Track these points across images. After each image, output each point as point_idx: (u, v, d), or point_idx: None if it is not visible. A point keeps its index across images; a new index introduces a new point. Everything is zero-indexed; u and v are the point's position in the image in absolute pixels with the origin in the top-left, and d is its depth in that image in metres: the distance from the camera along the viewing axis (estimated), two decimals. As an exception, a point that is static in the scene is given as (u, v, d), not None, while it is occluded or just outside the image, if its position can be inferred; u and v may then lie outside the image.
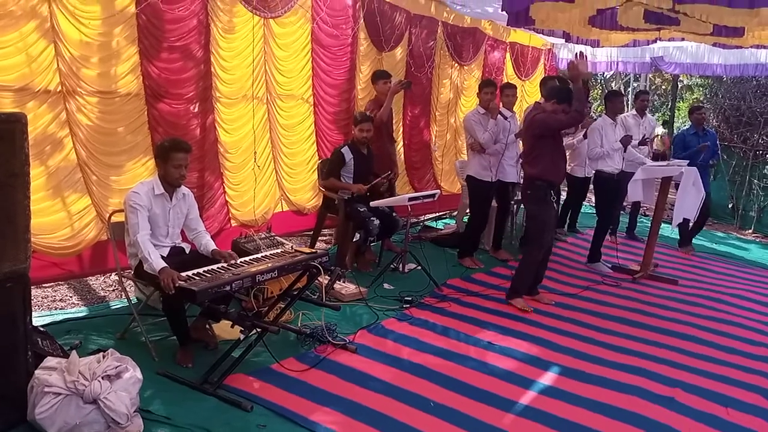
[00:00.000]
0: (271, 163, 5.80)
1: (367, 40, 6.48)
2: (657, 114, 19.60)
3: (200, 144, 5.03)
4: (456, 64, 7.87)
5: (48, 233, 4.14)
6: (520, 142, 5.76)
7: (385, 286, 5.12)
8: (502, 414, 3.26)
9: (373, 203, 5.12)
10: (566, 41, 8.34)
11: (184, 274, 3.21)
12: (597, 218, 6.24)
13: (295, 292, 3.81)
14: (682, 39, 7.38)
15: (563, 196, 7.30)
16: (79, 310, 4.30)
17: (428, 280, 5.23)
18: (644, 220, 8.34)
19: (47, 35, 3.98)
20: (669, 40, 8.19)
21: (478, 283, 5.45)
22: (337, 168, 5.27)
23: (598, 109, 9.21)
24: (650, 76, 15.42)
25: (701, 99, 10.87)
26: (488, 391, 3.49)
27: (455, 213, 7.79)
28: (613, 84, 17.33)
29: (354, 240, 5.54)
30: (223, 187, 5.37)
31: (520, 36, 8.88)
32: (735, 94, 9.74)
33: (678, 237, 7.55)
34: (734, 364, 4.11)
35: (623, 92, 12.28)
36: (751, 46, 7.24)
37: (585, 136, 6.57)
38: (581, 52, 4.68)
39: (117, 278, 4.43)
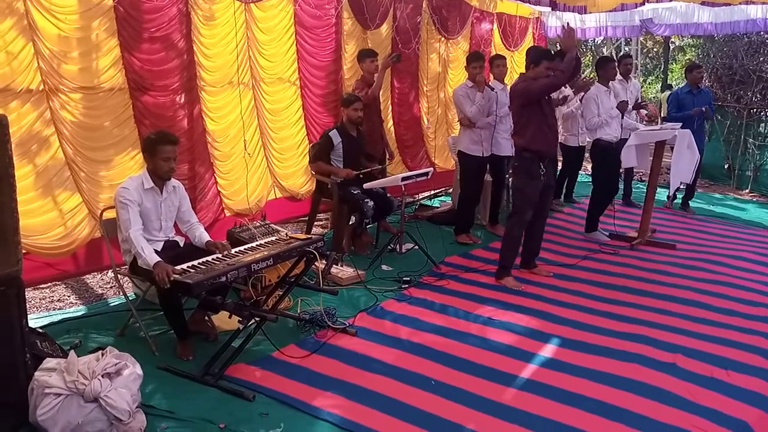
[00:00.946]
0: (261, 149, 5.76)
1: (351, 19, 6.39)
2: (651, 77, 19.48)
3: (188, 135, 4.99)
4: (443, 38, 7.77)
5: (40, 234, 4.12)
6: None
7: (383, 267, 5.11)
8: (504, 389, 3.27)
9: (366, 185, 5.09)
10: (552, 9, 8.25)
11: (178, 267, 3.19)
12: (593, 187, 6.20)
13: (293, 279, 3.80)
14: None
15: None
16: (78, 309, 4.30)
17: (426, 259, 5.22)
18: (641, 186, 8.31)
19: (25, 33, 3.92)
20: (657, 1, 8.12)
21: (477, 259, 5.44)
22: (325, 151, 5.22)
23: (591, 76, 9.15)
24: (641, 39, 15.29)
25: (694, 60, 10.77)
26: (489, 366, 3.50)
27: (451, 190, 7.76)
28: (604, 50, 17.16)
29: (350, 223, 5.52)
30: (214, 177, 5.33)
31: (507, 6, 8.75)
32: (727, 52, 9.65)
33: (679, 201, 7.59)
34: (734, 326, 4.12)
35: (615, 58, 12.18)
36: (740, 3, 7.17)
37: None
38: (568, 23, 4.62)
39: (113, 275, 4.42)
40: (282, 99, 5.90)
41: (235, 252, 3.50)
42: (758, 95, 9.26)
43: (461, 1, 7.86)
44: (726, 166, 9.66)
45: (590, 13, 8.71)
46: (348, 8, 6.30)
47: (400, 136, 7.49)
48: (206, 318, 3.85)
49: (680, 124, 6.41)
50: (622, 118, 6.04)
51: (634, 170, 7.92)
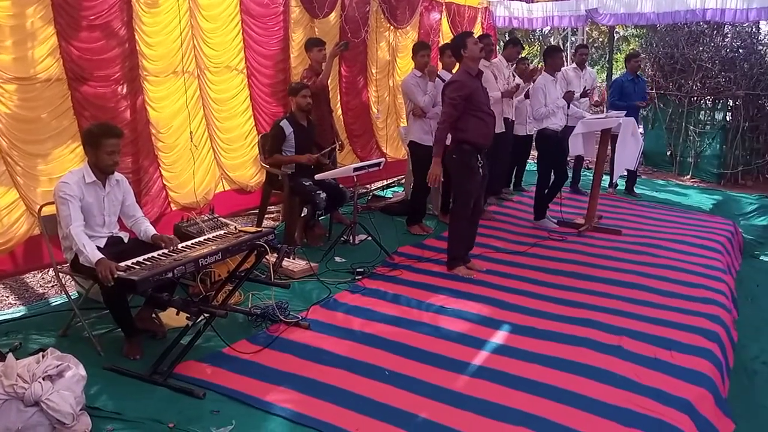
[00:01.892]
0: (208, 140, 5.63)
1: (299, 7, 6.30)
2: (596, 66, 19.91)
3: (132, 126, 4.84)
4: (392, 27, 7.75)
5: (-25, 232, 3.94)
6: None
7: (337, 259, 5.08)
8: (456, 376, 3.30)
9: (318, 176, 5.04)
10: (501, -1, 8.33)
11: (122, 264, 3.09)
12: (537, 176, 6.29)
13: (243, 274, 3.74)
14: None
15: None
16: (17, 310, 4.13)
17: (379, 250, 5.22)
18: (588, 174, 8.49)
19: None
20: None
21: (429, 248, 5.46)
22: (279, 143, 5.14)
23: (539, 65, 9.24)
24: (587, 29, 15.61)
25: (637, 49, 11.07)
26: (441, 354, 3.52)
27: (403, 180, 7.77)
28: (551, 39, 17.48)
29: (302, 215, 5.46)
30: (159, 170, 5.19)
31: (456, -5, 8.80)
32: (669, 42, 9.93)
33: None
34: (676, 308, 4.25)
35: (562, 47, 12.41)
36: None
37: (527, 96, 6.60)
38: None
39: (54, 274, 4.26)
40: (228, 88, 5.78)
41: (183, 247, 3.41)
42: (698, 84, 9.58)
43: (410, -10, 7.85)
44: (668, 153, 9.98)
45: (537, 2, 8.84)
46: (296, -4, 6.20)
47: (349, 126, 7.44)
48: (153, 315, 3.74)
49: (624, 112, 6.58)
50: (568, 107, 6.15)
51: (583, 158, 8.10)
